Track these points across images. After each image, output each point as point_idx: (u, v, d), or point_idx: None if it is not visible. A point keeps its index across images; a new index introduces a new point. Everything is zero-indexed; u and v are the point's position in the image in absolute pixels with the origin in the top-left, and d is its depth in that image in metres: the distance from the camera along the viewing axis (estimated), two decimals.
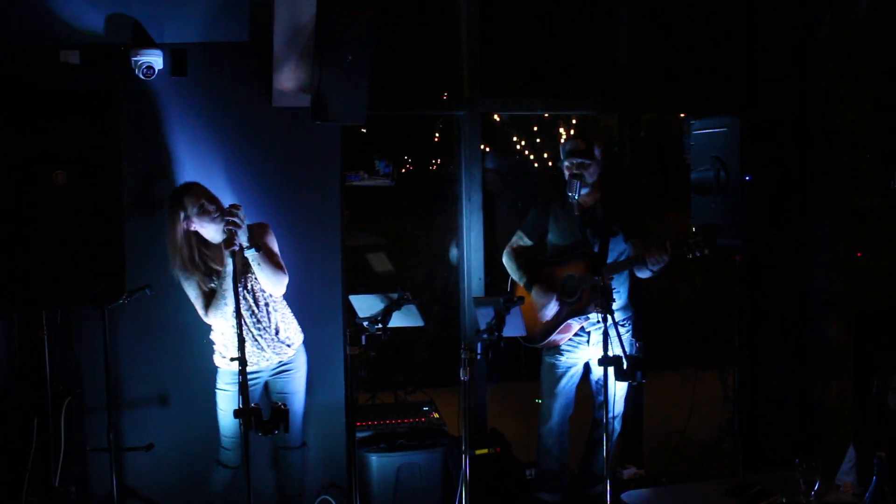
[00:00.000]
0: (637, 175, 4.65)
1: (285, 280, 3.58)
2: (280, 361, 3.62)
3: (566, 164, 3.87)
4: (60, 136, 3.10)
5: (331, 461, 4.09)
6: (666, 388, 5.10)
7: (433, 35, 4.53)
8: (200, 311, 3.50)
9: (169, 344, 3.88)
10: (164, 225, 3.52)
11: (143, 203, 3.87)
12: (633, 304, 4.04)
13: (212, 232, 3.47)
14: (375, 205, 6.39)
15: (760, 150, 4.06)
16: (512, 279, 4.09)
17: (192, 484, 3.72)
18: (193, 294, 3.50)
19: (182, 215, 3.44)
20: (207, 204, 3.44)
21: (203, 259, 3.49)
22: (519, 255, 4.06)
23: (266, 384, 3.69)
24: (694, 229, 3.55)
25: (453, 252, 6.16)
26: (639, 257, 3.67)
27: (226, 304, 3.45)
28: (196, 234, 3.49)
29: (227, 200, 3.52)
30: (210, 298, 3.47)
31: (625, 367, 3.12)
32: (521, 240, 4.08)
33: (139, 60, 3.69)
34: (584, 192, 3.78)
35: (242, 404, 3.01)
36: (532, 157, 6.94)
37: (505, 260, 4.09)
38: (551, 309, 3.86)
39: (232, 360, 3.15)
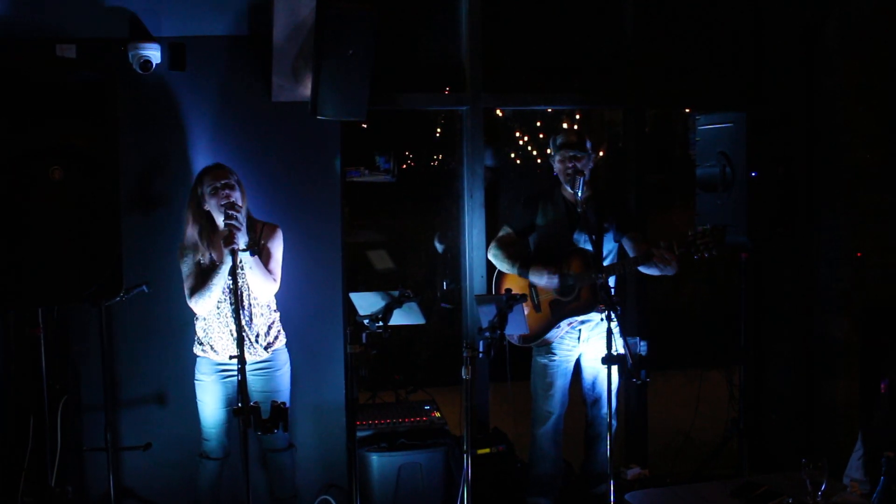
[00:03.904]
0: (641, 170, 4.61)
1: (273, 288, 3.56)
2: (254, 360, 3.57)
3: (558, 157, 3.84)
4: (57, 131, 3.07)
5: (331, 461, 4.05)
6: (671, 388, 5.07)
7: (435, 29, 4.47)
8: (187, 293, 3.49)
9: (166, 342, 3.84)
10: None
11: (140, 199, 3.83)
12: (620, 300, 4.00)
13: (220, 219, 3.45)
14: (376, 201, 6.36)
15: (767, 146, 4.03)
16: (497, 273, 4.00)
17: (190, 484, 3.68)
18: (186, 272, 3.49)
19: (199, 191, 3.46)
20: (222, 189, 3.42)
21: (208, 241, 3.48)
22: (506, 245, 3.96)
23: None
24: (699, 229, 3.49)
25: (437, 245, 6.13)
26: (647, 255, 3.60)
27: (209, 296, 3.44)
28: (209, 214, 3.48)
29: None
30: (199, 280, 3.45)
31: (629, 365, 3.08)
32: (506, 233, 4.00)
33: (136, 54, 3.65)
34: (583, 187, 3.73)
35: (242, 403, 2.97)
36: (535, 152, 6.90)
37: (491, 252, 3.99)
38: (552, 280, 3.75)
39: (231, 357, 3.11)
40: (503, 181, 6.71)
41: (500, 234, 4.02)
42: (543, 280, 3.77)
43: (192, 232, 3.49)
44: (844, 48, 4.37)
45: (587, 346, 3.89)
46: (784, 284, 4.66)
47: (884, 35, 4.35)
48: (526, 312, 3.74)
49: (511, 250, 3.94)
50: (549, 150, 3.98)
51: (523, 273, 3.83)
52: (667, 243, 3.54)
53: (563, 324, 3.81)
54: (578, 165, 3.75)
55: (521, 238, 3.99)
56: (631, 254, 3.83)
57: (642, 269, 3.74)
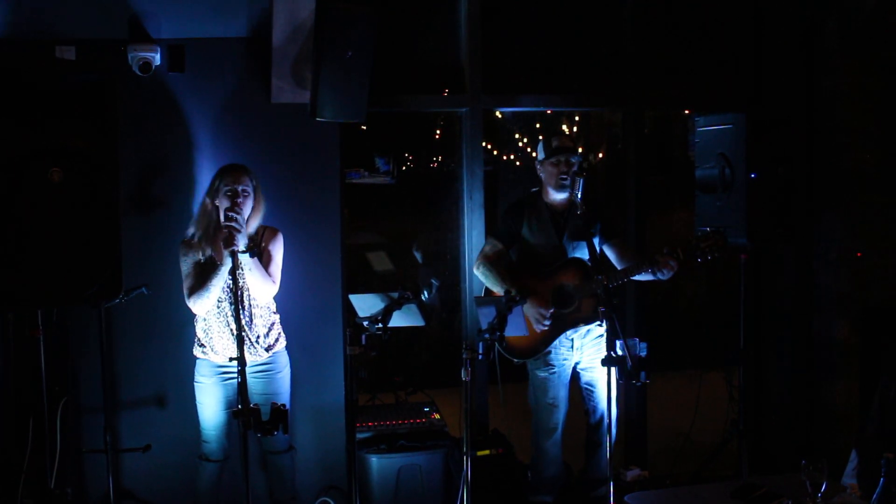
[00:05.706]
0: (641, 172, 4.60)
1: (272, 290, 3.56)
2: (255, 362, 3.58)
3: (552, 160, 3.78)
4: (56, 133, 3.07)
5: (330, 462, 4.05)
6: (670, 389, 5.05)
7: (434, 30, 4.47)
8: (185, 292, 3.49)
9: (166, 344, 3.84)
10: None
11: (140, 200, 3.84)
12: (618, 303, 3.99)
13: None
14: (375, 203, 6.36)
15: (766, 148, 4.02)
16: (487, 289, 3.91)
17: (190, 486, 3.67)
18: (186, 270, 3.49)
19: (216, 184, 3.47)
20: (234, 196, 3.42)
21: (212, 238, 3.48)
22: (494, 262, 3.83)
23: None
24: (700, 233, 3.51)
25: (417, 254, 6.11)
26: (651, 261, 3.58)
27: (207, 297, 3.44)
28: (218, 209, 3.49)
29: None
30: (198, 280, 3.45)
31: (629, 366, 3.08)
32: (494, 247, 3.88)
33: (136, 56, 3.65)
34: (567, 191, 3.71)
35: (242, 405, 2.97)
36: (534, 154, 6.89)
37: (479, 270, 3.84)
38: (548, 322, 3.72)
39: (231, 359, 3.10)
40: (503, 183, 6.71)
41: (486, 248, 3.90)
42: (534, 313, 3.70)
43: (197, 226, 3.50)
44: (844, 48, 4.37)
45: (580, 353, 3.85)
46: (783, 285, 4.66)
47: (884, 35, 4.35)
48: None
49: (500, 268, 3.81)
50: (534, 155, 3.94)
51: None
52: (670, 249, 3.54)
53: (563, 336, 3.78)
54: (576, 168, 3.74)
55: (508, 249, 3.89)
56: (614, 260, 3.81)
57: (637, 277, 3.72)
